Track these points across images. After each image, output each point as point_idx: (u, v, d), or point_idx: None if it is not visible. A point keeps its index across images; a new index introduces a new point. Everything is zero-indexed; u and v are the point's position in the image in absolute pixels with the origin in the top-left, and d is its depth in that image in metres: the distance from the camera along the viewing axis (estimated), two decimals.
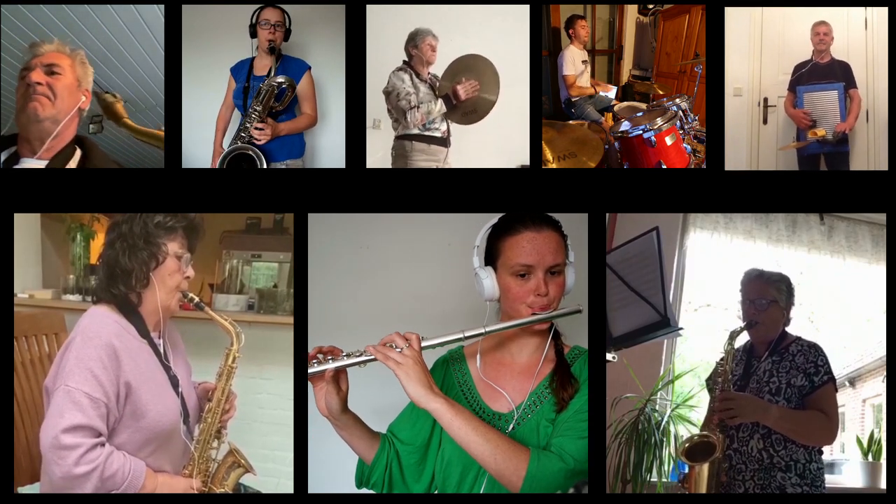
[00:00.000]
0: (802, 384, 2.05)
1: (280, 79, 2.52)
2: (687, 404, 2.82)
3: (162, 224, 1.74)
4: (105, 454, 1.58)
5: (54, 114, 1.94)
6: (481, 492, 1.57)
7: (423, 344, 1.51)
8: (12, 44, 2.35)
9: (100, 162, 2.06)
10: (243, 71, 2.61)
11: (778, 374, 2.09)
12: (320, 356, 1.55)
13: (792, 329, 2.20)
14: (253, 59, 2.61)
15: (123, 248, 1.72)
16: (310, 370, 1.54)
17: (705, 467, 2.00)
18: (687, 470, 2.07)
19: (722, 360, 2.12)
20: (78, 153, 2.03)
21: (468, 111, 2.71)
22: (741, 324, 2.18)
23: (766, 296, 2.16)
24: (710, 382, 2.16)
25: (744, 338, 2.22)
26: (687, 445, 2.02)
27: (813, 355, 2.07)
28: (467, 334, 1.56)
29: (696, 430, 2.30)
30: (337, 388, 1.56)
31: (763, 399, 2.07)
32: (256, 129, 2.49)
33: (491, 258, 1.62)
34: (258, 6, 2.54)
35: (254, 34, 2.58)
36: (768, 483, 2.04)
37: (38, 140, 1.95)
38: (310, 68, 2.60)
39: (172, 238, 1.75)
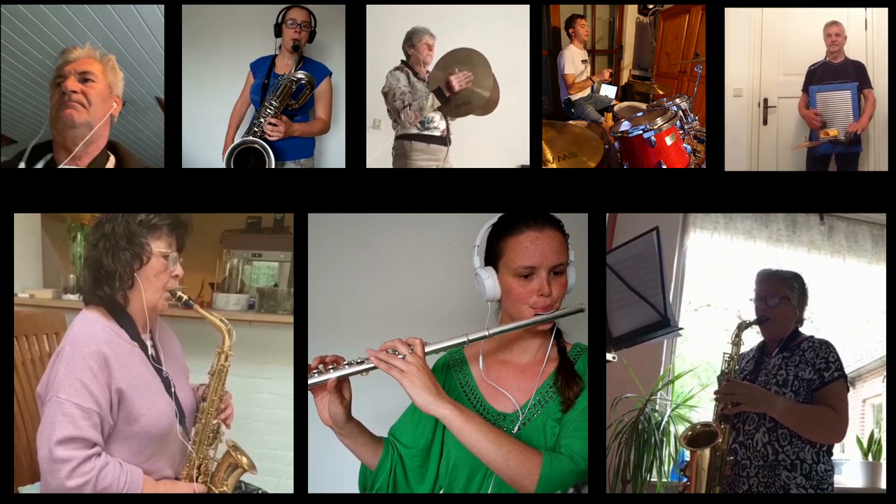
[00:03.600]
0: (811, 378, 2.03)
1: (300, 74, 2.51)
2: (687, 404, 2.82)
3: (145, 223, 1.71)
4: (98, 467, 1.57)
5: (88, 120, 1.97)
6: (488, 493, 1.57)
7: (427, 349, 1.50)
8: (12, 44, 2.35)
9: (133, 166, 2.10)
10: (264, 67, 2.61)
11: (786, 368, 2.09)
12: (321, 367, 1.53)
13: (804, 329, 2.20)
14: (274, 56, 2.61)
15: (106, 248, 1.70)
16: (311, 381, 1.51)
17: (706, 456, 1.99)
18: (688, 458, 2.06)
19: (728, 354, 2.12)
20: (112, 159, 2.06)
21: (461, 103, 2.68)
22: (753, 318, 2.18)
23: (778, 293, 2.16)
24: (721, 378, 2.15)
25: (758, 338, 2.23)
26: (689, 434, 2.03)
27: (824, 351, 2.06)
28: (471, 337, 1.55)
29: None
30: (340, 397, 1.54)
31: (770, 390, 2.06)
32: (270, 124, 2.47)
33: (492, 258, 1.61)
34: (283, 6, 2.54)
35: (278, 33, 2.57)
36: (772, 481, 2.02)
37: (73, 145, 1.99)
38: (330, 74, 2.60)
39: (157, 237, 1.73)
